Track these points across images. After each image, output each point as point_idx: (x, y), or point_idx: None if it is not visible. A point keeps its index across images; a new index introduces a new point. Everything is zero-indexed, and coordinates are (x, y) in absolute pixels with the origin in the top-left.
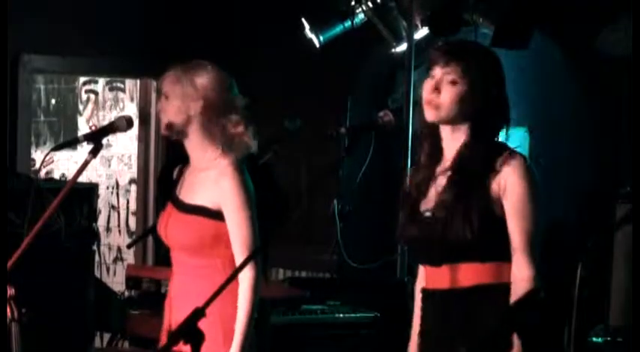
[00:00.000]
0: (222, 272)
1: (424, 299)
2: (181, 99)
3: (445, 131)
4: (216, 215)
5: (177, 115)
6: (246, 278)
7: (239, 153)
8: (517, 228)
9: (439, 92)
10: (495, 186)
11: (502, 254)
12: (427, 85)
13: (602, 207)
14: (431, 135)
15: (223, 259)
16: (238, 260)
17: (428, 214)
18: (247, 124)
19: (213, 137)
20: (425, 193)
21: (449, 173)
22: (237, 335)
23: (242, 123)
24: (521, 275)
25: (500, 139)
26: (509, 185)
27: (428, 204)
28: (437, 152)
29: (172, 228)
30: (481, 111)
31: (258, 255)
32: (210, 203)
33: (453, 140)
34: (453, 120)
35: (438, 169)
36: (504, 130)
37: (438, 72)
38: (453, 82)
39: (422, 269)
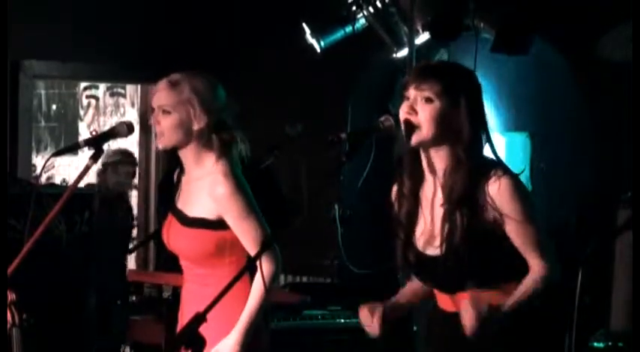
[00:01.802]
0: (228, 279)
1: (433, 315)
2: (184, 111)
3: (425, 155)
4: (218, 225)
5: (179, 128)
6: (265, 268)
7: (231, 158)
8: (524, 241)
9: (416, 112)
10: (489, 212)
11: (508, 275)
12: (402, 108)
13: (603, 213)
14: (412, 159)
15: (229, 266)
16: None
17: (428, 252)
18: (237, 129)
19: (211, 146)
20: (416, 222)
21: (439, 204)
22: (242, 319)
23: (234, 128)
24: (534, 269)
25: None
26: (504, 209)
27: (426, 239)
28: (419, 175)
29: (175, 239)
30: (461, 133)
31: (274, 247)
32: (209, 214)
33: (435, 162)
34: (433, 141)
35: (422, 194)
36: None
37: (411, 92)
38: (429, 100)
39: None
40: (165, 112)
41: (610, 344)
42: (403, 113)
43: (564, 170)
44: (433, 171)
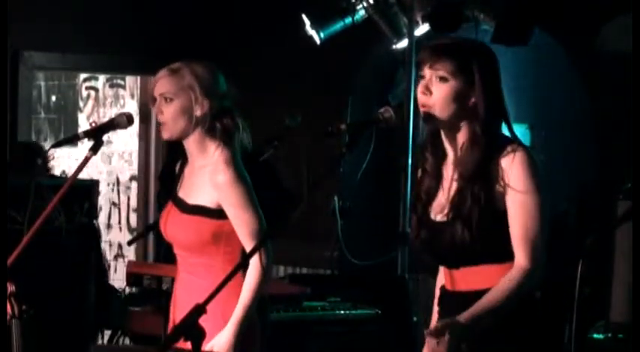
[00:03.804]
0: (223, 270)
1: (441, 298)
2: (186, 97)
3: (445, 133)
4: (217, 213)
5: (182, 115)
6: (254, 265)
7: (234, 147)
8: (517, 220)
9: (430, 92)
10: (499, 185)
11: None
12: (418, 88)
13: (603, 204)
14: (433, 138)
15: (223, 257)
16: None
17: (437, 219)
18: (239, 116)
19: (214, 133)
20: (434, 197)
21: (455, 178)
22: (236, 314)
23: (236, 115)
24: (517, 265)
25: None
26: (511, 179)
27: (437, 208)
28: (441, 155)
29: (172, 227)
30: (477, 109)
31: (267, 243)
32: (209, 202)
33: (454, 141)
34: (449, 121)
35: (444, 172)
36: (505, 125)
37: (426, 72)
38: (443, 79)
39: (441, 268)
40: (168, 100)
41: (610, 335)
42: (419, 93)
43: (564, 161)
44: (453, 147)
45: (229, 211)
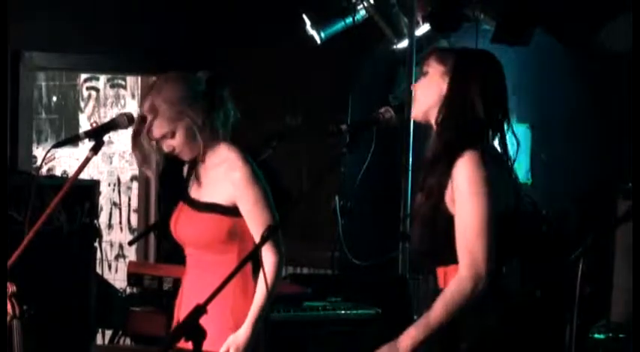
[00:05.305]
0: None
1: (433, 296)
2: (180, 124)
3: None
4: (231, 211)
5: (189, 139)
6: (268, 261)
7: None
8: (457, 228)
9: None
10: (449, 189)
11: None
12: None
13: (604, 204)
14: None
15: (238, 254)
16: (264, 249)
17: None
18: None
19: (216, 132)
20: None
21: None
22: (252, 313)
23: (225, 108)
24: (457, 275)
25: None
26: (457, 184)
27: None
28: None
29: (185, 226)
30: (448, 103)
31: (279, 243)
32: (223, 200)
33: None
34: (428, 115)
35: None
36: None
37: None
38: (424, 73)
39: None
40: (170, 136)
41: (611, 335)
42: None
43: (565, 161)
44: None
45: (245, 208)
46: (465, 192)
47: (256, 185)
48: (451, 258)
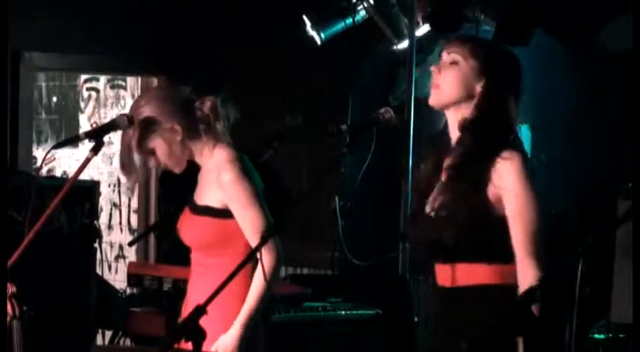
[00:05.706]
0: (230, 270)
1: (432, 294)
2: (168, 135)
3: (450, 118)
4: (223, 213)
5: (177, 147)
6: (265, 262)
7: (223, 132)
8: (519, 229)
9: (440, 74)
10: (492, 186)
11: (502, 255)
12: (433, 70)
13: (604, 204)
14: (441, 130)
15: (232, 257)
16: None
17: (430, 213)
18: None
19: (209, 133)
20: (431, 189)
21: (450, 170)
22: (242, 314)
23: (214, 108)
24: (526, 278)
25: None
26: (508, 185)
27: (432, 202)
28: (444, 145)
29: (186, 229)
30: (481, 99)
31: (276, 245)
32: (215, 202)
33: (455, 130)
34: (450, 107)
35: (446, 161)
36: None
37: (444, 56)
38: (454, 63)
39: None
40: (148, 154)
41: (611, 335)
42: (432, 77)
43: (565, 161)
44: (455, 137)
45: (235, 209)
46: (524, 195)
47: (245, 185)
48: (471, 255)
